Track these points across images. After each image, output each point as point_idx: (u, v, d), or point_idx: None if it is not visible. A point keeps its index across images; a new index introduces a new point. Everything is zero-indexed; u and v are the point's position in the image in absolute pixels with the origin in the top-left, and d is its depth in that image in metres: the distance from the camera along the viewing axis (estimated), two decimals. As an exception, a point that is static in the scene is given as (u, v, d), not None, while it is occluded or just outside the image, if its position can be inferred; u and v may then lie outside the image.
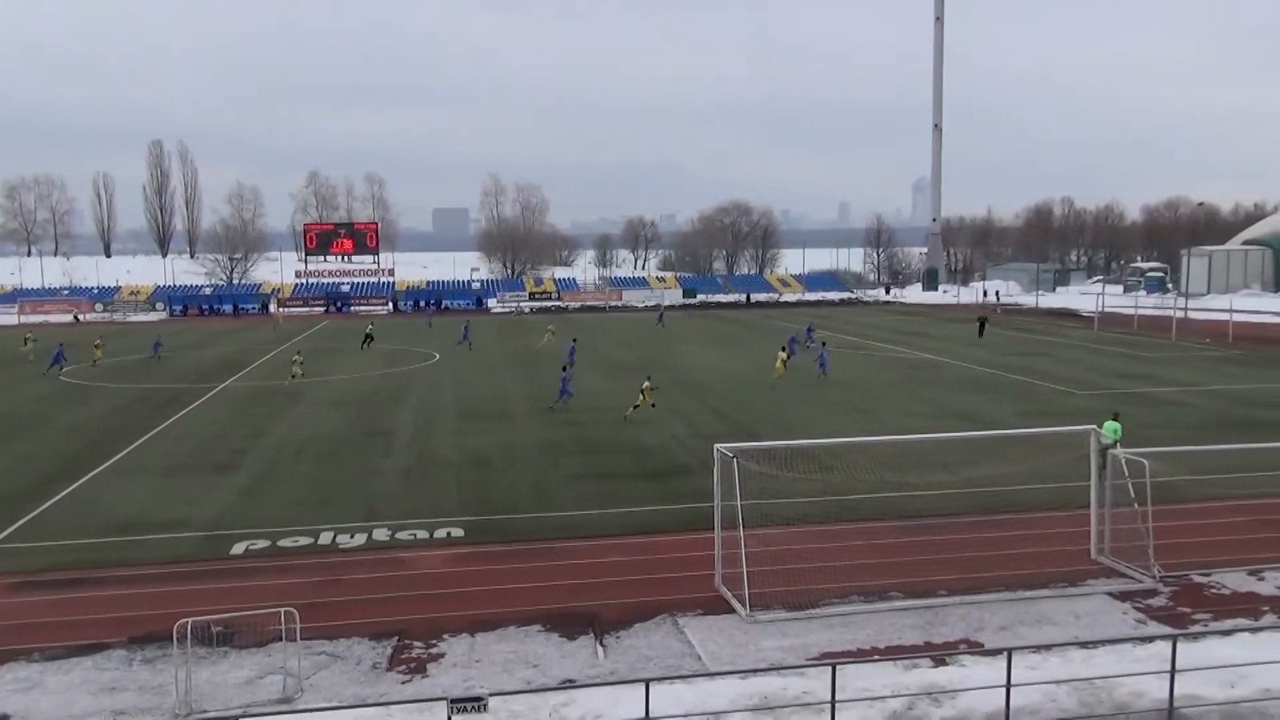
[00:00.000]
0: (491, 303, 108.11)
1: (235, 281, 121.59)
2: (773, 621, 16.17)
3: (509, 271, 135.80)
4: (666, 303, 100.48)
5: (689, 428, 32.64)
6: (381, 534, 21.32)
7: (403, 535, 21.24)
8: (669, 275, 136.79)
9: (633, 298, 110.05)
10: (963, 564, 18.69)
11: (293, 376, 44.71)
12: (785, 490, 19.27)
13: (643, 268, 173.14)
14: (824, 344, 50.21)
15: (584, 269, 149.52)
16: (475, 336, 62.59)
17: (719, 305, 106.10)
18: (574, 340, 50.71)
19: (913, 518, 21.70)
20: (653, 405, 34.68)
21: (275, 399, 40.12)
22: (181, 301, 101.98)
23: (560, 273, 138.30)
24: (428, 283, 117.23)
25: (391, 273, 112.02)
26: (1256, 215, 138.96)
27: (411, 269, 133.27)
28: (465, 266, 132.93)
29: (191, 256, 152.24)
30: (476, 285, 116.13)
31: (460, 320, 71.61)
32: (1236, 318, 63.58)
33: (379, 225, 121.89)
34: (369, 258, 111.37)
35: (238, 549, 20.41)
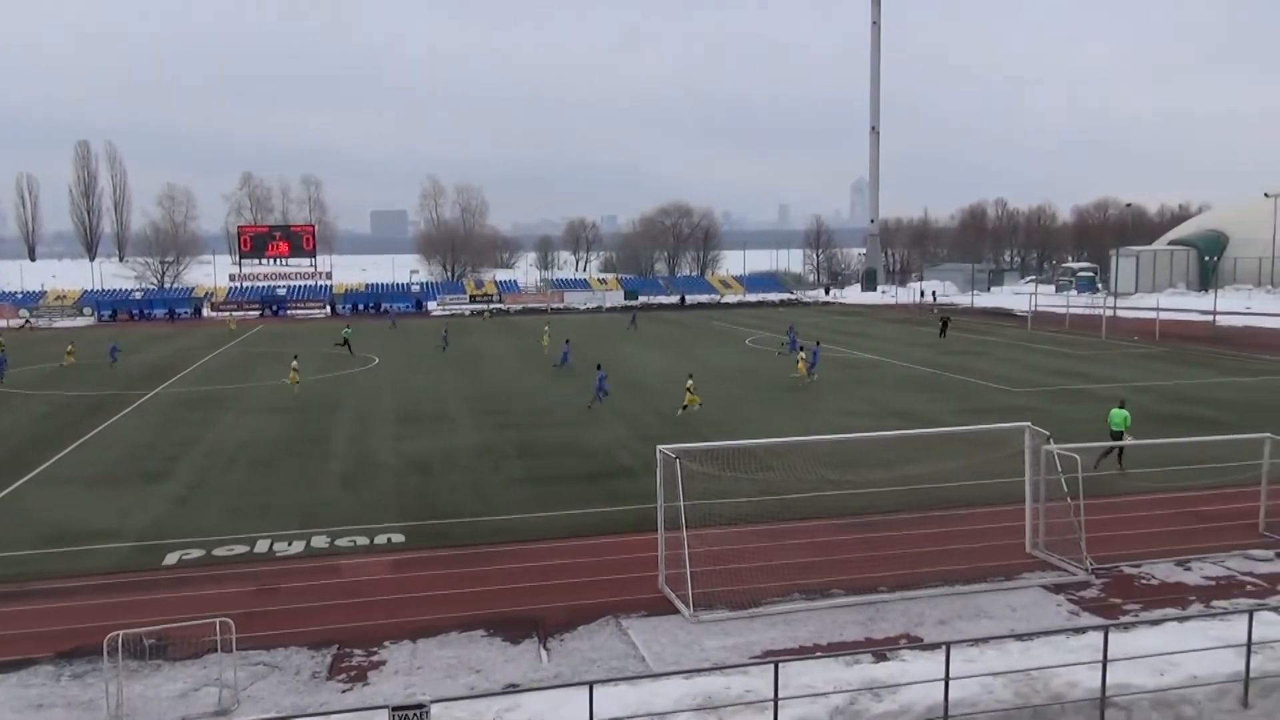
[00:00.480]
0: (432, 305, 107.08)
1: (167, 285, 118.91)
2: (716, 621, 16.24)
3: (449, 274, 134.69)
4: (608, 304, 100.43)
5: (631, 429, 32.65)
6: (320, 541, 20.97)
7: (342, 542, 20.91)
8: (610, 277, 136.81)
9: (574, 299, 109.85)
10: (902, 560, 18.95)
11: (291, 382, 43.39)
12: (728, 490, 19.39)
13: (584, 269, 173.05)
14: (818, 343, 50.72)
15: (525, 271, 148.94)
16: (419, 341, 61.82)
17: (660, 307, 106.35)
18: (567, 342, 51.05)
19: (853, 515, 21.91)
20: (699, 405, 34.62)
21: (209, 405, 39.29)
22: (110, 306, 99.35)
23: (501, 275, 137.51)
24: (366, 285, 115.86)
25: (329, 275, 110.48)
26: (1182, 216, 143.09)
27: (350, 271, 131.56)
28: (404, 269, 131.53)
29: (121, 260, 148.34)
30: (416, 288, 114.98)
31: (424, 322, 70.68)
32: (1163, 315, 65.48)
33: (316, 227, 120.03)
34: (305, 260, 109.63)
35: (171, 559, 19.94)
